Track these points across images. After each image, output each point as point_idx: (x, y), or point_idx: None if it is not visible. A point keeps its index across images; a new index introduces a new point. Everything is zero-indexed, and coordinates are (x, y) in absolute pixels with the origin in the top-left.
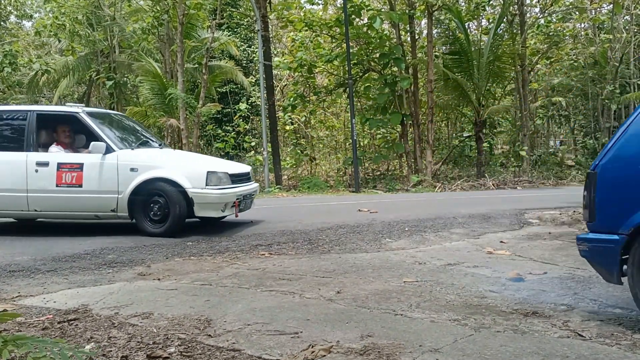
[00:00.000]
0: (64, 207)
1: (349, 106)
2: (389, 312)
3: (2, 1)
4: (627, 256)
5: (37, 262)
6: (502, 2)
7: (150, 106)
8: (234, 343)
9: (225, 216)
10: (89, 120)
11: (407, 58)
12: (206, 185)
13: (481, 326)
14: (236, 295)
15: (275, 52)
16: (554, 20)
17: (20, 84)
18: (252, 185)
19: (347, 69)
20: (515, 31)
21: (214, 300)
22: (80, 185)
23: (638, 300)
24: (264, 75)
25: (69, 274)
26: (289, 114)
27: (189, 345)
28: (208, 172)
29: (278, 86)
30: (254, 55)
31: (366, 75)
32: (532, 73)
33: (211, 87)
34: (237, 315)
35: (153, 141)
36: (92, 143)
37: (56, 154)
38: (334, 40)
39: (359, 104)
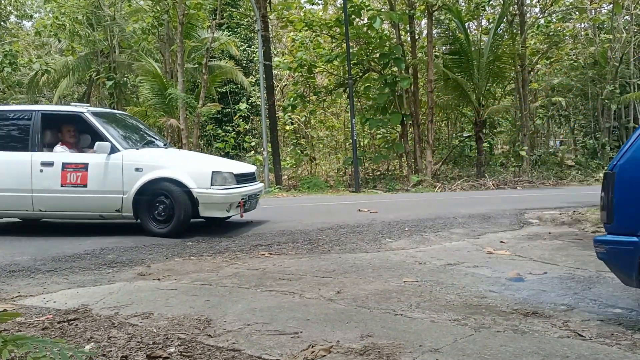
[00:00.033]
0: (68, 207)
1: (349, 106)
2: (389, 312)
3: (2, 1)
4: None
5: (37, 262)
6: (502, 2)
7: (150, 106)
8: (234, 343)
9: (231, 216)
10: (94, 120)
11: (407, 58)
12: (211, 185)
13: (481, 326)
14: (236, 295)
15: (275, 52)
16: (554, 20)
17: (20, 84)
18: (257, 185)
19: (347, 69)
20: (515, 31)
21: (214, 300)
22: (85, 185)
23: None
24: (264, 75)
25: (69, 274)
26: (289, 114)
27: (189, 345)
28: (213, 172)
29: (278, 86)
30: (254, 55)
31: (366, 75)
32: (532, 73)
33: (211, 87)
34: (237, 315)
35: (158, 141)
36: (97, 143)
37: (61, 154)
38: (334, 40)
39: (359, 104)
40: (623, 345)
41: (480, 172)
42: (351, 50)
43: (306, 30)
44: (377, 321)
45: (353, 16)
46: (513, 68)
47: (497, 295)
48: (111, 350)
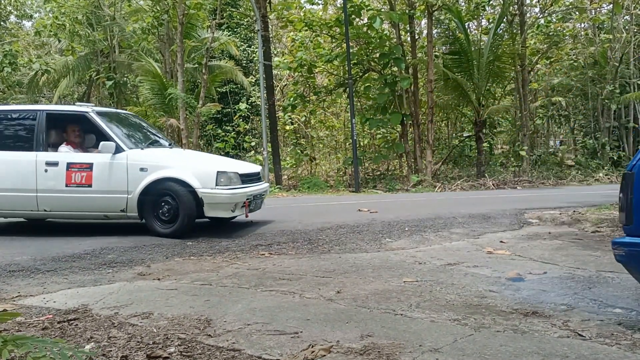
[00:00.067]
0: (73, 207)
1: (349, 106)
2: (389, 312)
3: (2, 1)
4: None
5: (37, 262)
6: (502, 2)
7: (150, 106)
8: (234, 343)
9: (236, 216)
10: (98, 120)
11: (407, 58)
12: (216, 185)
13: (481, 326)
14: (236, 295)
15: (275, 52)
16: (554, 20)
17: (20, 84)
18: (263, 185)
19: (347, 69)
20: (515, 31)
21: (214, 300)
22: (90, 185)
23: None
24: (264, 75)
25: (69, 274)
26: (289, 114)
27: (189, 345)
28: (218, 172)
29: (278, 86)
30: (254, 55)
31: (366, 75)
32: (532, 73)
33: (211, 87)
34: (237, 315)
35: (162, 140)
36: (102, 143)
37: (66, 154)
38: (334, 40)
39: (359, 104)
40: (623, 345)
41: (480, 172)
42: (351, 50)
43: (306, 30)
44: (377, 321)
45: (353, 16)
46: (513, 68)
47: (497, 295)
48: (111, 350)
